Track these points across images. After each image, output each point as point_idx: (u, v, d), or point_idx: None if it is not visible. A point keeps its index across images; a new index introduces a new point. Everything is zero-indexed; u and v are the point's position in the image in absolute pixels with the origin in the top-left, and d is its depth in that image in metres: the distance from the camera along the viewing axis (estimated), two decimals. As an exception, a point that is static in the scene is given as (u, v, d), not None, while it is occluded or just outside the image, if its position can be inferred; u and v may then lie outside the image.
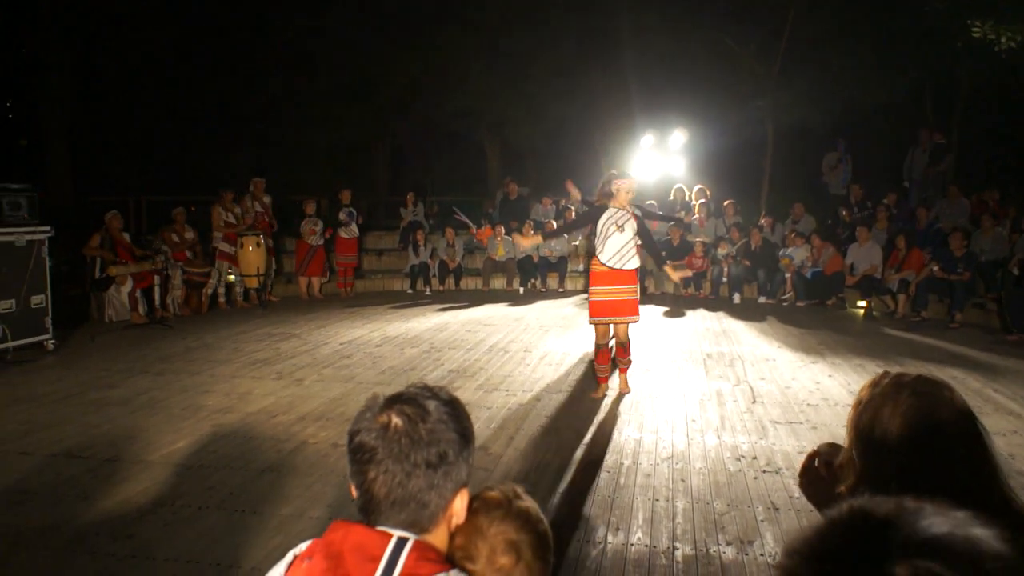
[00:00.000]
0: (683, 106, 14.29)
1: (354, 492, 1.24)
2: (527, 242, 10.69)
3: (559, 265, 13.22)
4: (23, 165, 15.53)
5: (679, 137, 13.01)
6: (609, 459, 4.81)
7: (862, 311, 11.00)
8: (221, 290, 11.47)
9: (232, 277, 11.52)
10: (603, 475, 4.54)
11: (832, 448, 1.69)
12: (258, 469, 4.62)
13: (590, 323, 6.18)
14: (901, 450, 1.33)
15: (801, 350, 8.14)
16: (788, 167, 15.58)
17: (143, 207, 13.71)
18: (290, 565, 1.21)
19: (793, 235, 12.14)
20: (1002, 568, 0.62)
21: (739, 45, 14.47)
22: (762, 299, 12.00)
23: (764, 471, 4.56)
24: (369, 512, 1.21)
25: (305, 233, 12.36)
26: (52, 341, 8.24)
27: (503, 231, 13.42)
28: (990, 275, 9.97)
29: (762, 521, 3.87)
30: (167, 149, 17.15)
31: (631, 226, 5.94)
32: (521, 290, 13.08)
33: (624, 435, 5.30)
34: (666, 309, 11.06)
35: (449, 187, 16.92)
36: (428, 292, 13.00)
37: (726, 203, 13.51)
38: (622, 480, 4.46)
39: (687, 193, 13.80)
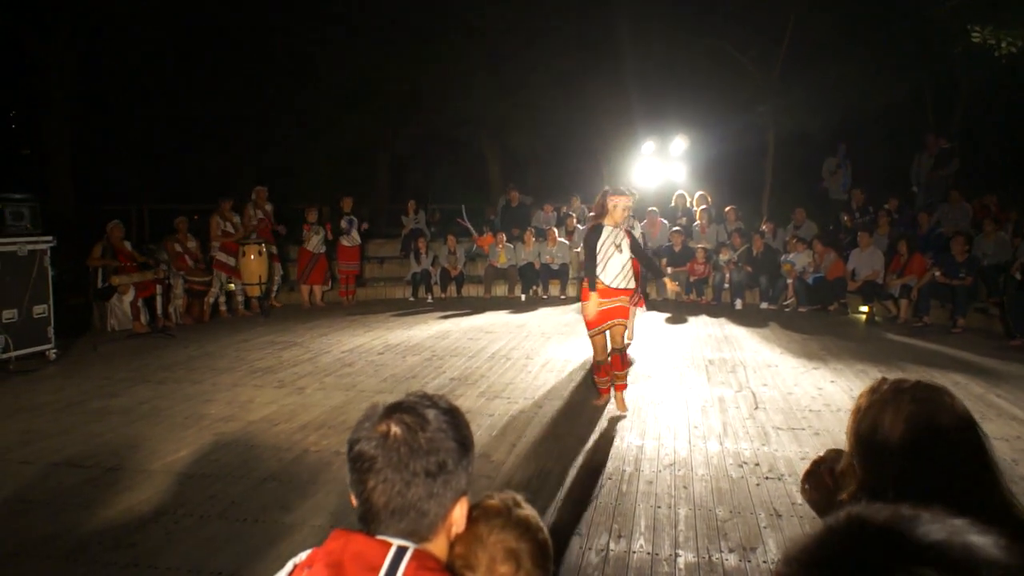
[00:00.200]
0: (684, 112, 14.32)
1: (354, 501, 1.24)
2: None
3: (561, 272, 13.22)
4: (26, 175, 15.56)
5: (680, 143, 13.05)
6: (611, 466, 4.80)
7: (864, 316, 10.99)
8: (222, 299, 11.48)
9: (232, 286, 11.53)
10: (605, 482, 4.53)
11: (837, 454, 1.68)
12: (260, 478, 4.61)
13: (589, 334, 6.04)
14: (902, 456, 1.33)
15: (803, 356, 8.13)
16: (789, 172, 15.59)
17: (145, 216, 13.74)
18: (290, 574, 1.21)
19: (795, 241, 12.13)
20: (999, 575, 0.62)
21: (739, 51, 14.51)
22: (764, 305, 11.98)
23: (766, 477, 4.55)
24: (369, 521, 1.21)
25: (307, 240, 12.38)
26: (54, 351, 8.24)
27: (504, 238, 13.44)
28: (992, 280, 9.95)
29: (765, 528, 3.86)
30: (169, 158, 17.18)
31: (627, 244, 5.88)
32: (523, 297, 13.08)
33: (626, 442, 5.29)
34: (668, 315, 11.06)
35: (450, 195, 16.92)
36: (430, 300, 13.00)
37: (727, 209, 13.51)
38: (624, 487, 4.45)
39: (688, 199, 13.82)
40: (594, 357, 6.15)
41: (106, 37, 13.84)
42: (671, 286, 10.28)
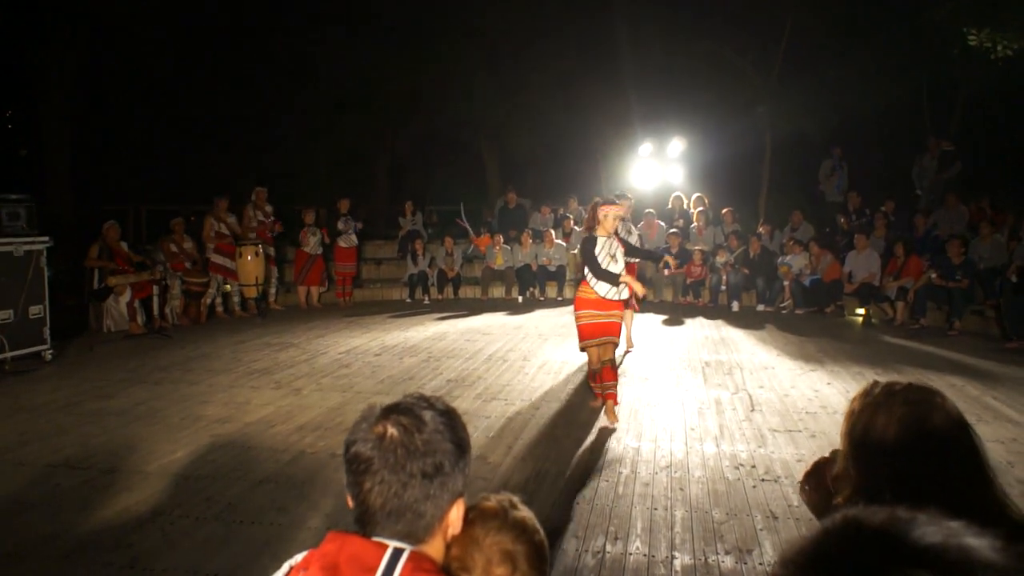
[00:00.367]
0: (682, 115, 14.35)
1: (351, 503, 1.24)
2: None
3: (558, 274, 13.22)
4: (23, 175, 15.52)
5: (677, 145, 13.07)
6: (608, 468, 4.81)
7: (861, 319, 11.01)
8: (219, 300, 11.47)
9: (228, 287, 11.52)
10: (602, 484, 4.53)
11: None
12: (256, 479, 4.61)
13: (581, 348, 6.02)
14: (896, 457, 1.33)
15: (800, 358, 8.14)
16: (786, 175, 15.63)
17: (142, 216, 13.71)
18: (286, 576, 1.21)
19: (791, 243, 12.15)
20: (995, 578, 0.62)
21: (737, 54, 14.55)
22: (761, 307, 12.00)
23: (763, 480, 4.55)
24: (365, 523, 1.21)
25: (304, 242, 12.38)
26: (50, 351, 8.22)
27: (501, 240, 13.45)
28: (988, 282, 9.98)
29: (761, 530, 3.86)
30: (167, 158, 17.16)
31: (620, 253, 5.85)
32: (520, 299, 13.08)
33: (623, 444, 5.29)
34: (665, 317, 11.07)
35: (449, 197, 16.92)
36: (427, 301, 13.00)
37: (724, 211, 13.52)
38: (621, 489, 4.45)
39: (685, 201, 13.83)
40: (590, 366, 6.17)
41: (106, 37, 13.82)
42: (672, 263, 10.23)
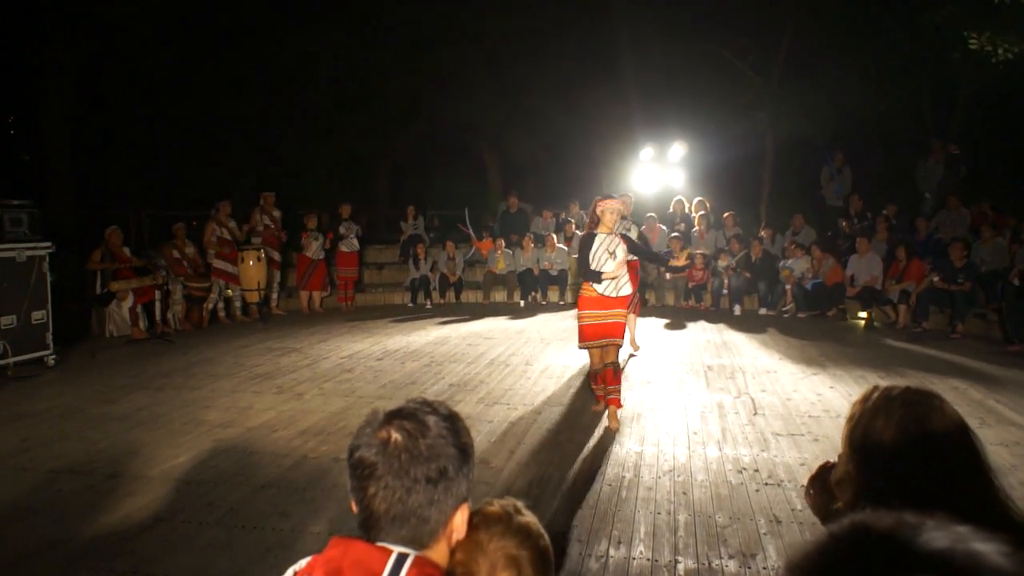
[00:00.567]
0: (683, 119, 14.35)
1: (354, 508, 1.24)
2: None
3: (560, 278, 13.22)
4: (25, 180, 15.55)
5: (678, 149, 13.05)
6: (610, 472, 4.80)
7: (863, 322, 10.99)
8: (221, 305, 11.47)
9: (231, 292, 11.52)
10: (604, 488, 4.52)
11: None
12: (258, 484, 4.60)
13: (580, 348, 6.03)
14: (896, 461, 1.33)
15: (802, 362, 8.13)
16: (787, 178, 15.61)
17: (144, 221, 13.72)
18: (290, 582, 1.21)
19: (793, 246, 12.15)
20: (1003, 583, 0.62)
21: (738, 58, 14.55)
22: (763, 311, 11.99)
23: (766, 484, 4.54)
24: (369, 528, 1.21)
25: (306, 246, 12.38)
26: (53, 357, 8.23)
27: (503, 244, 13.45)
28: (991, 285, 9.96)
29: (764, 534, 3.85)
30: (169, 163, 17.17)
31: (622, 250, 5.79)
32: (522, 303, 13.08)
33: (625, 448, 5.28)
34: (667, 321, 11.06)
35: (450, 201, 16.93)
36: (429, 306, 13.00)
37: (726, 215, 13.52)
38: (623, 493, 4.44)
39: (687, 205, 13.82)
40: (591, 367, 6.15)
41: (106, 37, 13.83)
42: (678, 253, 10.20)
